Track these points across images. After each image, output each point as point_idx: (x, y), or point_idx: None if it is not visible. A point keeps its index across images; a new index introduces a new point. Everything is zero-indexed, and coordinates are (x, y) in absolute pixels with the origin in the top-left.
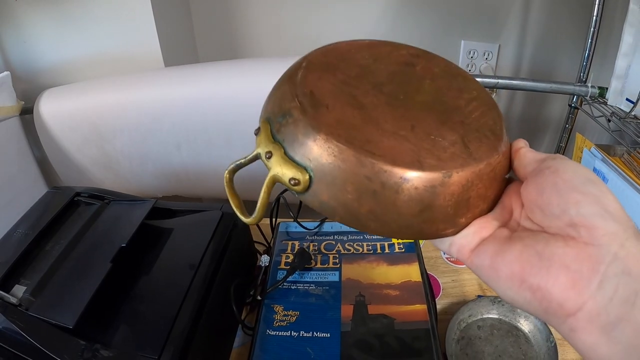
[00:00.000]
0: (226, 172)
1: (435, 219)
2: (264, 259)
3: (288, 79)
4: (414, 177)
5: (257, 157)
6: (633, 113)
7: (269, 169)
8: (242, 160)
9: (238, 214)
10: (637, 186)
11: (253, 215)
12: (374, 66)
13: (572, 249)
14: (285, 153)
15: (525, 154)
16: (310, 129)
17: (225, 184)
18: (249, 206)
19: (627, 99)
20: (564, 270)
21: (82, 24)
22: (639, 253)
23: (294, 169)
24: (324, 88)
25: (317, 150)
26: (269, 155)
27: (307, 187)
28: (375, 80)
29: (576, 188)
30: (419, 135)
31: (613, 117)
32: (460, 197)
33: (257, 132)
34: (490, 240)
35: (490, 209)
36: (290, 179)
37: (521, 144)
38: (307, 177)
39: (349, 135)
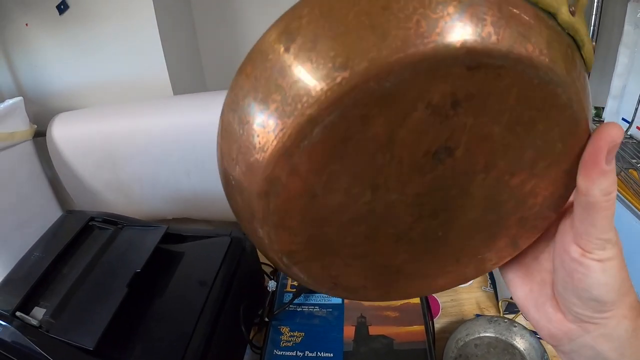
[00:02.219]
0: None
1: None
2: (271, 285)
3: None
4: None
5: None
6: (629, 133)
7: None
8: None
9: None
10: (634, 208)
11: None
12: (383, 202)
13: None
14: None
15: (595, 223)
16: None
17: None
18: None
19: (622, 119)
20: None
21: (91, 50)
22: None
23: None
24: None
25: None
26: None
27: None
28: (395, 228)
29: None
30: (464, 261)
31: None
32: None
33: None
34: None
35: None
36: None
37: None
38: None
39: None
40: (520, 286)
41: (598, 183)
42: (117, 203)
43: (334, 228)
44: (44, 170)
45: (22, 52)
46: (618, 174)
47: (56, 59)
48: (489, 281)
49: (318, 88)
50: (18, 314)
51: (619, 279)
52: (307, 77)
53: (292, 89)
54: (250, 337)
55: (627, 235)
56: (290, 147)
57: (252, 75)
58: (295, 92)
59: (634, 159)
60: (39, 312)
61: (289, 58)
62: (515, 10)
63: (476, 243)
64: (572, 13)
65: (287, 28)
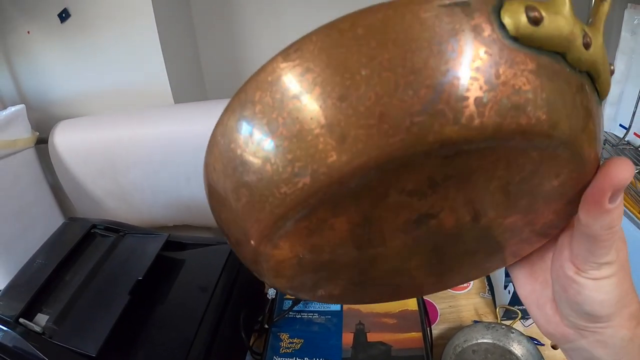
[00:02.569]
0: None
1: None
2: (271, 292)
3: None
4: None
5: None
6: (627, 139)
7: None
8: None
9: None
10: (632, 216)
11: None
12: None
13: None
14: None
15: (597, 241)
16: None
17: None
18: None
19: (620, 125)
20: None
21: (93, 58)
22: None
23: None
24: None
25: None
26: None
27: None
28: (388, 265)
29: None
30: (464, 271)
31: (606, 145)
32: None
33: None
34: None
35: None
36: None
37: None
38: None
39: None
40: (523, 284)
41: (600, 220)
42: (118, 210)
43: (328, 272)
44: (46, 177)
45: (24, 59)
46: None
47: (58, 66)
48: (487, 287)
49: (282, 190)
50: (21, 320)
51: (617, 294)
52: (269, 177)
53: (258, 187)
54: (250, 344)
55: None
56: (268, 234)
57: (219, 160)
58: (261, 191)
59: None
60: (42, 319)
61: (248, 153)
62: (509, 71)
63: (475, 260)
64: (587, 44)
65: (242, 114)
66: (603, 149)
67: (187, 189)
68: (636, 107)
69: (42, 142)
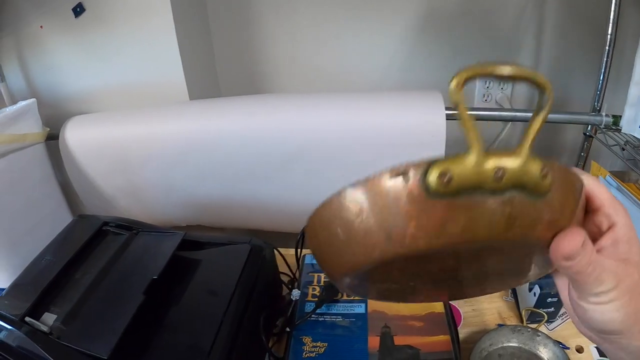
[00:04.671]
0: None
1: None
2: (295, 293)
3: None
4: None
5: None
6: None
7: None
8: None
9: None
10: None
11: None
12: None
13: None
14: None
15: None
16: None
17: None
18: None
19: None
20: None
21: (107, 54)
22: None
23: None
24: None
25: None
26: None
27: None
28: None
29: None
30: (510, 283)
31: (627, 146)
32: None
33: None
34: None
35: None
36: None
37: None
38: None
39: None
40: (561, 288)
41: (568, 270)
42: (130, 209)
43: (398, 284)
44: (55, 174)
45: (37, 54)
46: (635, 182)
47: (71, 61)
48: (510, 290)
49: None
50: (27, 319)
51: (622, 314)
52: (345, 246)
53: (341, 249)
54: (270, 346)
55: None
56: (350, 273)
57: (315, 229)
58: (346, 248)
59: None
60: (49, 318)
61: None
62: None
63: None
64: (500, 178)
65: (336, 222)
66: (624, 149)
67: (203, 188)
68: None
69: (52, 138)
